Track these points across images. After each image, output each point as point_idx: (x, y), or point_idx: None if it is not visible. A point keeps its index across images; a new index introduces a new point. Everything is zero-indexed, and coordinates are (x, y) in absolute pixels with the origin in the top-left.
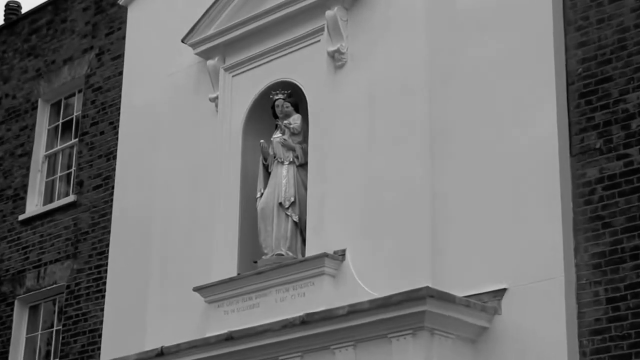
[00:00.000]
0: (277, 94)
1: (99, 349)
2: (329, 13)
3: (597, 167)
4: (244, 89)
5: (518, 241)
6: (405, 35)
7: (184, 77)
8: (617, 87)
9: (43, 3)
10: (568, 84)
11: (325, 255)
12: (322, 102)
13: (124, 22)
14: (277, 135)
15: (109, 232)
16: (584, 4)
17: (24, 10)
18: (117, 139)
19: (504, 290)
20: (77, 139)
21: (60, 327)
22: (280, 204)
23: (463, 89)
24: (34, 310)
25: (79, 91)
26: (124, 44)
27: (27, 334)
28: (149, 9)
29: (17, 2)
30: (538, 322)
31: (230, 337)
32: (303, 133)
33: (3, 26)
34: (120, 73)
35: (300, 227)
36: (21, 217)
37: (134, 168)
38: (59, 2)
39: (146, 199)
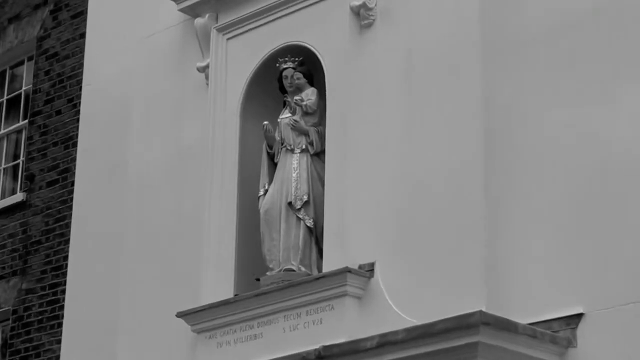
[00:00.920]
0: (285, 62)
1: None
2: None
3: None
4: (243, 55)
5: (598, 255)
6: None
7: (164, 41)
8: None
9: None
10: None
11: (348, 270)
12: (344, 72)
13: None
14: (285, 115)
15: (67, 241)
16: None
17: None
18: (77, 120)
19: (580, 316)
20: (26, 121)
21: None
22: (290, 204)
23: (530, 57)
24: None
25: (29, 58)
26: None
27: None
28: None
29: None
30: (622, 357)
31: None
32: (319, 112)
33: None
34: (83, 35)
35: (315, 235)
36: None
37: (99, 159)
38: None
39: (115, 199)
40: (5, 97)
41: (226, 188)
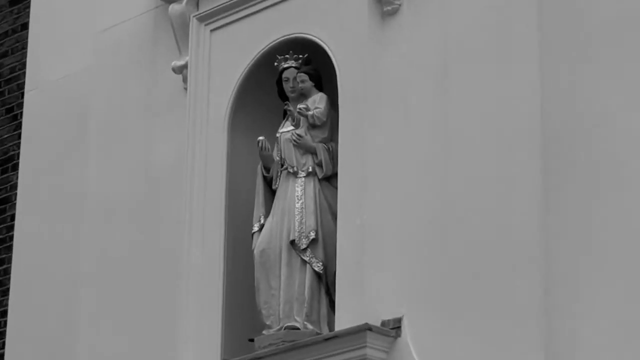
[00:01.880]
0: (286, 61)
1: None
2: None
3: None
4: (231, 52)
5: None
6: None
7: (130, 34)
8: None
9: None
10: None
11: (368, 328)
12: (362, 73)
13: None
14: (287, 128)
15: (5, 292)
16: None
17: None
18: (19, 136)
19: None
20: None
21: None
22: (293, 242)
23: (597, 52)
24: None
25: None
26: None
27: None
28: None
29: None
30: None
31: None
32: (330, 125)
33: None
34: (25, 26)
35: (326, 282)
36: None
37: (47, 185)
38: None
39: (68, 237)
40: None
41: (210, 222)
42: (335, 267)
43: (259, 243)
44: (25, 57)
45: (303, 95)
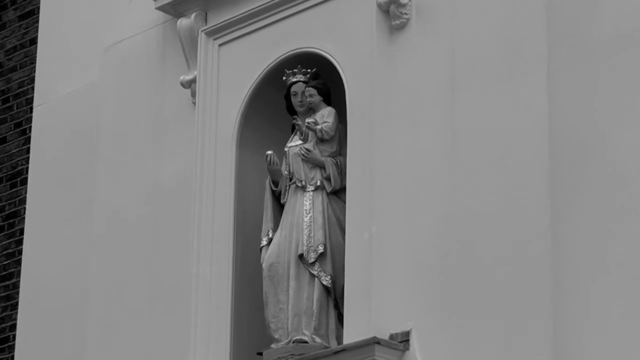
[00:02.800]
0: (294, 75)
1: None
2: None
3: None
4: (239, 66)
5: None
6: None
7: (138, 49)
8: None
9: None
10: None
11: (376, 341)
12: (370, 87)
13: None
14: (295, 142)
15: (14, 306)
16: None
17: None
18: (27, 150)
19: None
20: None
21: None
22: (302, 256)
23: (608, 65)
24: None
25: None
26: None
27: None
28: None
29: None
30: None
31: None
32: (338, 139)
33: None
34: (34, 41)
35: (335, 296)
36: None
37: (55, 200)
38: None
39: (76, 252)
40: None
41: (219, 237)
42: (343, 281)
43: (267, 257)
44: (34, 72)
45: (311, 110)
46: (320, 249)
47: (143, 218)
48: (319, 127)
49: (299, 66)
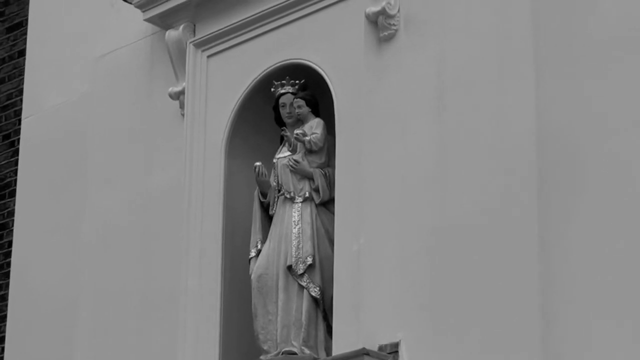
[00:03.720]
0: (282, 86)
1: None
2: None
3: None
4: (228, 77)
5: None
6: None
7: (127, 60)
8: None
9: None
10: None
11: (365, 352)
12: (358, 98)
13: None
14: (283, 154)
15: (3, 318)
16: None
17: None
18: (16, 162)
19: None
20: None
21: None
22: (290, 268)
23: (595, 71)
24: None
25: None
26: (26, 5)
27: None
28: None
29: None
30: None
31: None
32: (327, 150)
33: None
34: (22, 53)
35: (323, 307)
36: None
37: (45, 212)
38: None
39: (66, 264)
40: None
41: (207, 248)
42: (332, 292)
43: (256, 268)
44: (22, 83)
45: (300, 121)
46: (309, 260)
47: (132, 229)
48: (307, 138)
49: (287, 77)
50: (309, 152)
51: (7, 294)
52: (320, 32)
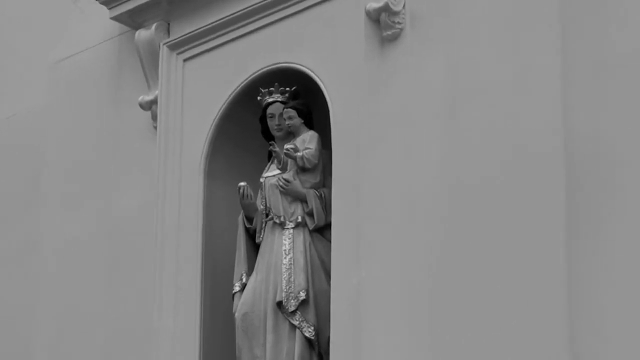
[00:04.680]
0: (271, 95)
1: None
2: None
3: None
4: (208, 83)
5: None
6: None
7: (91, 64)
8: None
9: None
10: None
11: None
12: (358, 107)
13: None
14: (272, 172)
15: None
16: None
17: None
18: None
19: None
20: None
21: None
22: (280, 304)
23: (625, 86)
24: None
25: None
26: None
27: None
28: None
29: None
30: None
31: None
32: (322, 168)
33: None
34: None
35: (319, 349)
36: None
37: None
38: None
39: (21, 298)
40: None
41: (184, 281)
42: (328, 332)
43: (240, 305)
44: None
45: (291, 134)
46: (302, 295)
47: (96, 259)
48: (299, 154)
49: (276, 84)
50: (302, 170)
51: None
52: (314, 31)
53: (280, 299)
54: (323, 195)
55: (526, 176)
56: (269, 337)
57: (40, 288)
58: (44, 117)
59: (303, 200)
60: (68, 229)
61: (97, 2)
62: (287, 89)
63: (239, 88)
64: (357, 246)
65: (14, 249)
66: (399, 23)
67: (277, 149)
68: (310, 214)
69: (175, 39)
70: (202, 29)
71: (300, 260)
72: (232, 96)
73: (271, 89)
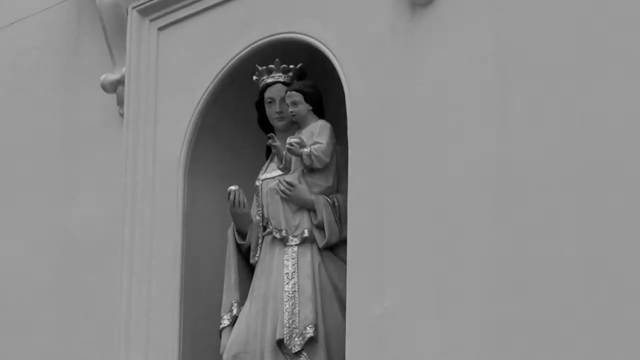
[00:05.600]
0: (270, 73)
1: None
2: None
3: None
4: (188, 59)
5: None
6: None
7: (38, 36)
8: None
9: None
10: None
11: None
12: (382, 91)
13: None
14: (271, 173)
15: None
16: None
17: None
18: None
19: None
20: None
21: None
22: (281, 343)
23: None
24: None
25: None
26: None
27: None
28: None
29: None
30: None
31: None
32: (336, 167)
33: None
34: None
35: None
36: None
37: None
38: None
39: None
40: None
41: (158, 312)
42: None
43: (230, 344)
44: None
45: (296, 124)
46: (309, 332)
47: (43, 284)
48: (306, 150)
49: (276, 60)
50: (310, 170)
51: None
52: None
53: (282, 337)
54: (336, 202)
55: (600, 178)
56: None
57: None
58: None
59: (311, 209)
60: (9, 244)
61: None
62: (291, 66)
63: (228, 65)
64: (379, 268)
65: None
66: None
67: (277, 143)
68: (320, 227)
69: (147, 2)
70: None
71: (307, 287)
72: (220, 76)
73: (270, 66)
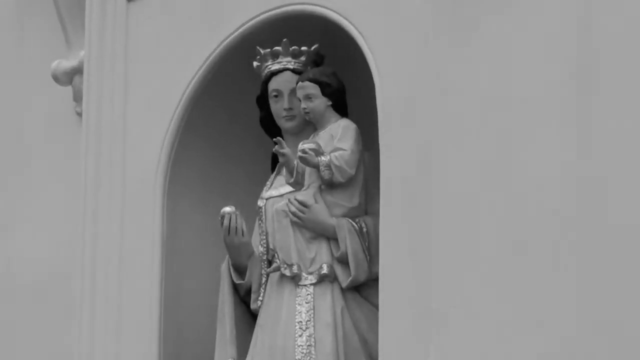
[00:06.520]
0: (276, 58)
1: None
2: None
3: None
4: (169, 40)
5: None
6: None
7: None
8: None
9: None
10: None
11: None
12: (421, 82)
13: None
14: (278, 190)
15: None
16: None
17: None
18: None
19: None
20: None
21: None
22: None
23: None
24: None
25: None
26: None
27: None
28: None
29: None
30: None
31: None
32: (363, 181)
33: None
34: None
35: None
36: None
37: None
38: None
39: None
40: None
41: None
42: None
43: None
44: None
45: (310, 125)
46: None
47: None
48: (324, 159)
49: (284, 41)
50: (329, 186)
51: None
52: None
53: None
54: (364, 228)
55: None
56: None
57: None
58: None
59: (331, 237)
60: None
61: None
62: (304, 48)
63: (220, 48)
64: (421, 315)
65: None
66: None
67: (286, 150)
68: (344, 261)
69: None
70: None
71: (327, 340)
72: (208, 62)
73: (276, 48)
